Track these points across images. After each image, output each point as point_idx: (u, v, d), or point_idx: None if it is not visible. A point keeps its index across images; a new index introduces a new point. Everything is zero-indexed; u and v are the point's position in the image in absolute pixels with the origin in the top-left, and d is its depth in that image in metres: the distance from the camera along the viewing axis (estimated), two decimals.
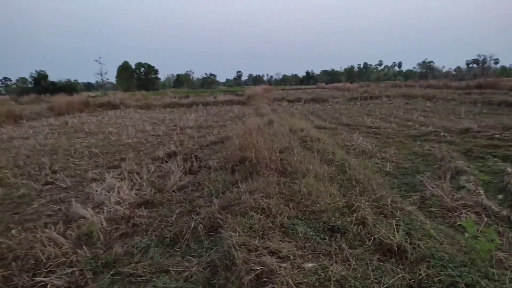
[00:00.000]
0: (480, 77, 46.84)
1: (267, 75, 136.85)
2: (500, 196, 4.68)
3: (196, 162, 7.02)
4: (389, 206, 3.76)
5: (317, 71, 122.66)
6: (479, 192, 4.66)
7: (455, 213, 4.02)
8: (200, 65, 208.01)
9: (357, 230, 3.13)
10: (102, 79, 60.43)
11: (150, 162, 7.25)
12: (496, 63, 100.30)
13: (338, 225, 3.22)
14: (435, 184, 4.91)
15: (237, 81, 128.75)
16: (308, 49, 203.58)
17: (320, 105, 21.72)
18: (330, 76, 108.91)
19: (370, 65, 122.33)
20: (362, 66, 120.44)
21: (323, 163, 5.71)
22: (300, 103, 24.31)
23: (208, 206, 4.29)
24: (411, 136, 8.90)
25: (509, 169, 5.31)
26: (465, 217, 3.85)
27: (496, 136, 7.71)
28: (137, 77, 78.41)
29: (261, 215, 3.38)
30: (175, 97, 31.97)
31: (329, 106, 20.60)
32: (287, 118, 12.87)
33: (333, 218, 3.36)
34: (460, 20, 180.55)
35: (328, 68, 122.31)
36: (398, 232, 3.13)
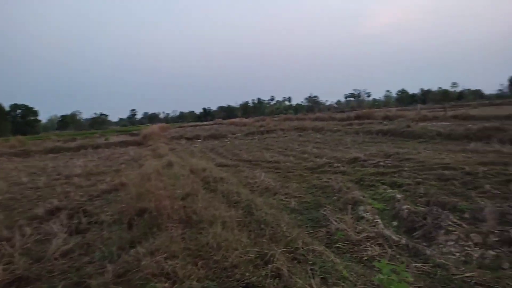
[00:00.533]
0: (357, 109, 53.09)
1: (163, 112, 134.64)
2: (395, 223, 4.97)
3: (85, 217, 6.11)
4: (301, 249, 3.64)
5: (214, 107, 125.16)
6: (377, 222, 4.89)
7: (361, 247, 4.09)
8: (89, 104, 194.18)
9: (273, 285, 2.89)
10: None
11: (26, 223, 6.07)
12: (368, 96, 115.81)
13: (253, 281, 2.94)
14: (338, 218, 5.02)
15: (131, 120, 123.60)
16: (204, 86, 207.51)
17: (219, 142, 21.78)
18: (227, 112, 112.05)
19: (263, 100, 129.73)
20: (256, 101, 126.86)
21: (229, 206, 5.45)
22: (199, 140, 24.09)
23: (100, 275, 3.63)
24: (309, 168, 9.27)
25: (398, 196, 5.75)
26: (370, 250, 3.94)
27: (381, 163, 8.47)
28: (12, 120, 69.31)
29: (165, 283, 2.92)
30: (59, 141, 28.94)
31: (228, 142, 20.76)
32: (187, 157, 12.46)
33: (247, 274, 3.08)
34: (337, 58, 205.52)
35: (224, 104, 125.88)
36: (314, 279, 2.99)
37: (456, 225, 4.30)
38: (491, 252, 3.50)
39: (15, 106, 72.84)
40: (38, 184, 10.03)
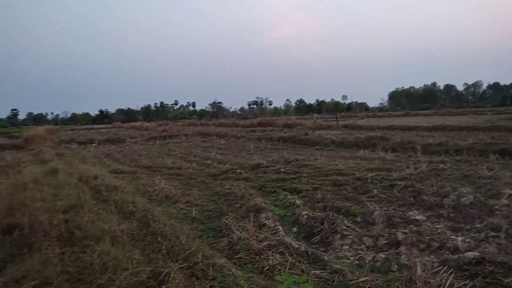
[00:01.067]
0: (259, 116, 54.97)
1: (52, 113, 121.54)
2: (295, 229, 5.03)
3: None
4: (201, 264, 3.38)
5: (112, 109, 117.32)
6: (278, 229, 4.88)
7: (262, 256, 3.99)
8: None
9: None
10: None
11: None
12: (270, 104, 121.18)
13: None
14: (240, 226, 4.88)
15: (12, 121, 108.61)
16: (101, 86, 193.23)
17: (117, 146, 20.27)
18: (127, 115, 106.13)
19: (167, 104, 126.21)
20: (159, 105, 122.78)
21: (122, 218, 4.92)
22: (94, 144, 22.10)
23: None
24: (212, 175, 9.05)
25: (297, 202, 5.87)
26: (271, 260, 3.86)
27: (282, 170, 8.68)
28: None
29: None
30: None
31: (127, 147, 19.43)
32: (77, 164, 11.21)
33: None
34: (241, 66, 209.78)
35: (124, 107, 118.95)
36: None
37: (350, 229, 4.50)
38: (382, 255, 3.70)
39: None
40: None
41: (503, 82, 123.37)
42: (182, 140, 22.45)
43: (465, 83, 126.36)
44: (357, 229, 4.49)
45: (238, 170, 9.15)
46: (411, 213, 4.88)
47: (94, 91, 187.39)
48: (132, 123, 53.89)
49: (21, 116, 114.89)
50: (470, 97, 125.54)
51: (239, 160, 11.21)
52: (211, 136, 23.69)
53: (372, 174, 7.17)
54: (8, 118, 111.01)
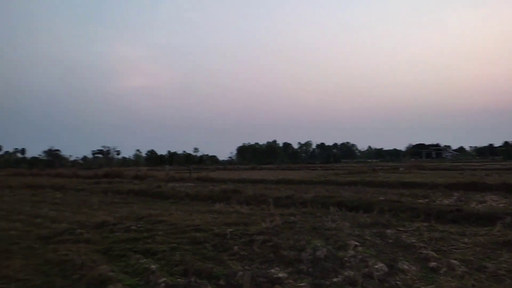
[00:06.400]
0: (105, 167, 50.71)
1: None
2: None
3: None
4: None
5: None
6: None
7: None
8: None
9: None
10: None
11: None
12: (118, 154, 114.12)
13: None
14: None
15: None
16: None
17: None
18: None
19: None
20: None
21: None
22: None
23: None
24: (43, 237, 7.41)
25: (152, 266, 5.14)
26: None
27: (132, 228, 7.74)
28: None
29: None
30: None
31: None
32: None
33: None
34: (83, 112, 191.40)
35: None
36: None
37: None
38: None
39: None
40: None
41: (327, 143, 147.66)
42: (5, 193, 18.45)
43: (299, 142, 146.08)
44: None
45: (78, 230, 7.75)
46: (273, 270, 4.78)
47: None
48: None
49: None
50: (303, 154, 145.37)
51: (79, 217, 9.62)
52: (44, 189, 20.21)
53: (230, 229, 6.98)
54: None
